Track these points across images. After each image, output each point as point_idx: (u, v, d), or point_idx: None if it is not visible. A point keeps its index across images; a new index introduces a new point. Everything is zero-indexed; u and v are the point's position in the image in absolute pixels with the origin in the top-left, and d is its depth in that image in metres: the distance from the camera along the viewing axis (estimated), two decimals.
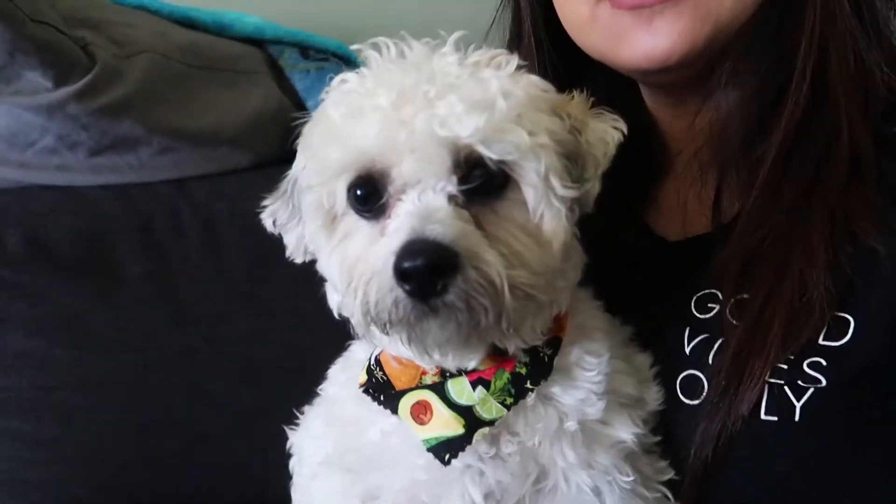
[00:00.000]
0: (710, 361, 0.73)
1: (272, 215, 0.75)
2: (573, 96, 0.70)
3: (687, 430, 0.72)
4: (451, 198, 0.61)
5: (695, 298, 0.77)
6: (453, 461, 0.66)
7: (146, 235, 1.14)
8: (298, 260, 0.74)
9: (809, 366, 0.68)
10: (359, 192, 0.65)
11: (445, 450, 0.66)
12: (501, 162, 0.61)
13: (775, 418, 0.68)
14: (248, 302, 1.15)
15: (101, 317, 1.08)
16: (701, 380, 0.73)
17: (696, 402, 0.73)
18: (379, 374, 0.71)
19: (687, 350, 0.76)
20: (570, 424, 0.68)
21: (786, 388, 0.68)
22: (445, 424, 0.66)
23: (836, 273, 0.67)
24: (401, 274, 0.58)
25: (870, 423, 0.68)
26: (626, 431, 0.70)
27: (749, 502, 0.71)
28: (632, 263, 0.85)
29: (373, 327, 0.63)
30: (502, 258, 0.60)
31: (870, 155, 0.71)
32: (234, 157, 1.26)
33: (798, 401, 0.68)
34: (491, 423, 0.66)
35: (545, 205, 0.63)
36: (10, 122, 1.08)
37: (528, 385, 0.67)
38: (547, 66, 0.90)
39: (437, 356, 0.66)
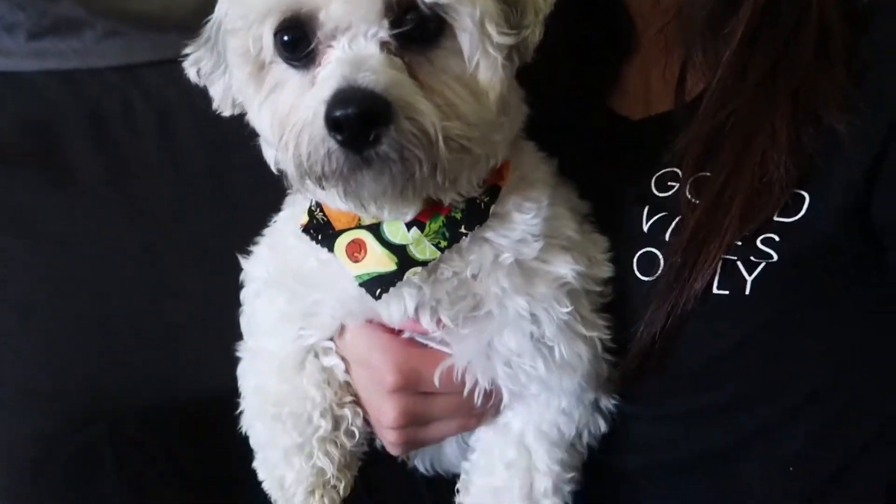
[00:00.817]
0: (667, 239, 0.74)
1: (196, 64, 0.72)
2: None
3: (641, 305, 0.74)
4: (383, 45, 0.58)
5: (655, 177, 0.77)
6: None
7: (96, 124, 1.09)
8: (226, 113, 0.72)
9: (762, 241, 0.70)
10: (286, 38, 0.61)
11: (377, 285, 0.68)
12: (435, 4, 0.58)
13: (727, 292, 0.70)
14: (208, 193, 1.13)
15: (54, 209, 1.05)
16: (658, 257, 0.75)
17: (651, 278, 0.75)
18: (319, 216, 0.71)
19: (645, 228, 0.77)
20: (506, 257, 0.70)
21: (738, 263, 0.70)
22: (378, 261, 0.67)
23: (797, 154, 0.68)
24: (332, 123, 0.57)
25: (817, 298, 0.71)
26: (566, 268, 0.71)
27: (696, 373, 0.74)
28: (594, 145, 0.85)
29: (307, 181, 0.62)
30: (437, 109, 0.58)
31: (839, 31, 0.70)
32: (186, 42, 1.20)
33: (749, 275, 0.70)
34: (423, 263, 0.68)
35: (481, 53, 0.61)
36: None
37: (463, 230, 0.68)
38: None
39: (373, 209, 0.66)
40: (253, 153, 0.79)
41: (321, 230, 0.71)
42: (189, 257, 1.12)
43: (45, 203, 1.05)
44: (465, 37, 0.60)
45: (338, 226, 0.70)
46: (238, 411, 0.87)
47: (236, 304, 1.12)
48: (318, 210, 0.72)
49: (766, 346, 0.72)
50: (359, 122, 0.56)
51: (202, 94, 1.18)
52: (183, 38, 1.18)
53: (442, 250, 0.68)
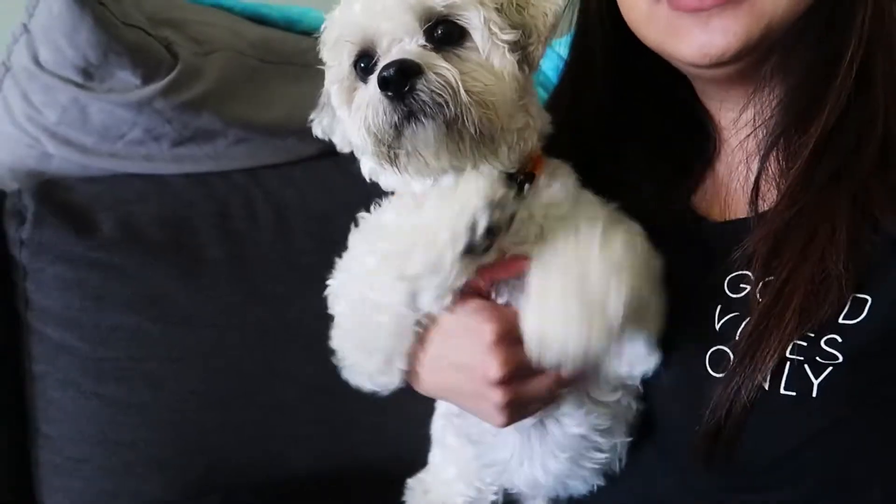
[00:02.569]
0: (737, 337, 0.77)
1: (319, 124, 0.92)
2: None
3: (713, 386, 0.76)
4: (422, 47, 0.78)
5: (728, 278, 0.81)
6: None
7: (223, 220, 1.22)
8: (346, 150, 0.90)
9: (826, 343, 0.72)
10: (362, 65, 0.81)
11: None
12: (450, 6, 0.78)
13: (794, 393, 0.73)
14: (316, 283, 1.20)
15: (185, 295, 1.17)
16: (728, 354, 0.78)
17: (721, 374, 0.77)
18: None
19: (717, 326, 0.80)
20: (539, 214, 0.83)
21: (805, 365, 0.72)
22: None
23: (855, 255, 0.72)
24: (382, 82, 0.75)
25: (884, 398, 0.72)
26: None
27: (762, 471, 0.76)
28: (674, 242, 0.88)
29: (384, 161, 0.80)
30: (461, 75, 0.76)
31: None
32: (302, 146, 1.33)
33: (816, 378, 0.72)
34: None
35: (491, 45, 0.80)
36: (104, 117, 1.17)
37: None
38: (610, 48, 0.95)
39: (434, 163, 0.80)
40: None
41: None
42: (298, 339, 1.21)
43: (177, 289, 1.17)
44: (478, 34, 0.79)
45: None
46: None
47: (337, 386, 1.18)
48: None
49: (832, 447, 0.73)
50: (398, 75, 0.74)
51: (314, 194, 1.31)
52: (300, 143, 1.34)
53: None
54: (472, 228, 0.72)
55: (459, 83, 0.75)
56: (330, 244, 1.25)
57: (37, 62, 1.13)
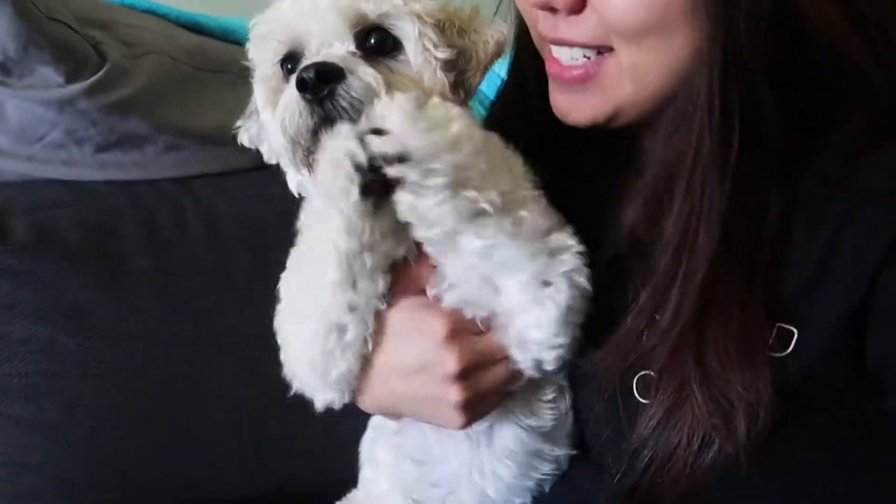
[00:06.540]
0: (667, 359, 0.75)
1: (246, 132, 0.89)
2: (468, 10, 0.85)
3: (636, 426, 0.75)
4: (351, 53, 0.76)
5: None
6: None
7: (150, 230, 1.17)
8: (273, 161, 0.86)
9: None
10: (288, 66, 0.79)
11: None
12: (383, 15, 0.77)
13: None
14: (247, 298, 1.18)
15: (105, 307, 1.11)
16: (654, 379, 0.75)
17: (647, 401, 0.75)
18: None
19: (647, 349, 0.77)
20: None
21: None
22: None
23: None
24: (299, 83, 0.73)
25: (810, 431, 0.72)
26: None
27: (694, 492, 0.74)
28: (609, 260, 0.85)
29: (302, 167, 0.78)
30: (387, 86, 0.74)
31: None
32: (238, 157, 1.28)
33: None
34: None
35: (423, 61, 0.78)
36: (21, 116, 1.11)
37: None
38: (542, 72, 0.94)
39: None
40: None
41: None
42: (228, 355, 1.16)
43: (96, 299, 1.10)
44: (410, 46, 0.78)
45: None
46: None
47: (269, 406, 1.13)
48: None
49: (760, 484, 0.71)
50: (317, 77, 0.72)
51: (249, 204, 1.27)
52: (235, 153, 1.29)
53: None
54: (355, 167, 0.69)
55: (383, 91, 0.73)
56: (265, 256, 1.21)
57: None
